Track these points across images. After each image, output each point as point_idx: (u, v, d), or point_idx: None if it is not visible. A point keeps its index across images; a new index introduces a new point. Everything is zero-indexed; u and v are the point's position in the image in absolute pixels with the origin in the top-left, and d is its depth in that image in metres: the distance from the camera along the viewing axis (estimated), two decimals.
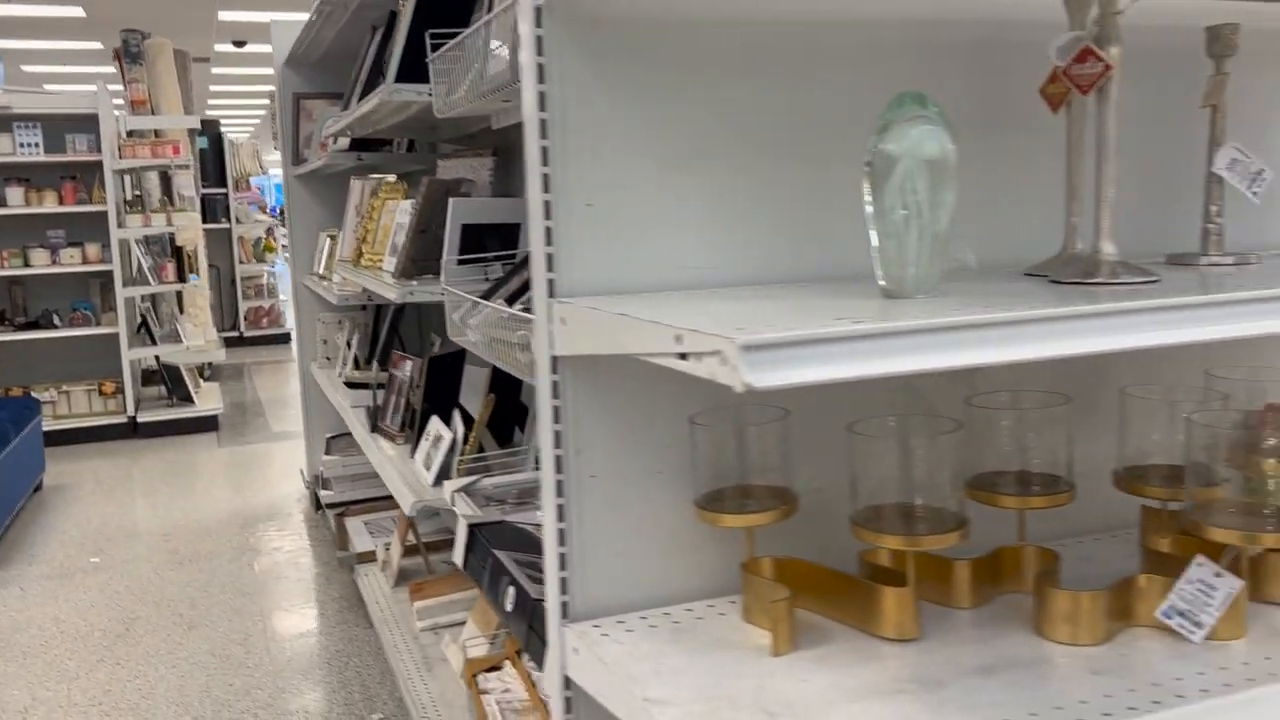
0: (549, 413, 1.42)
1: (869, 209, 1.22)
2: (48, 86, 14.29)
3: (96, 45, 12.12)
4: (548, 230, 1.40)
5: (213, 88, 15.56)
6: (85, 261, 7.10)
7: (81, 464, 6.78)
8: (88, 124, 7.01)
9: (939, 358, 0.98)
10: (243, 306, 11.22)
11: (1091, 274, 1.31)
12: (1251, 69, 1.78)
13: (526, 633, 1.82)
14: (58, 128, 7.00)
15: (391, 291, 2.92)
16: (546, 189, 1.39)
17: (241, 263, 11.11)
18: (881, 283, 1.24)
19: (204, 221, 10.34)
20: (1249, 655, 1.28)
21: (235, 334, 11.11)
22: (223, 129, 11.52)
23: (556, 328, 1.39)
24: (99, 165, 7.01)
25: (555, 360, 1.42)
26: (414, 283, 2.92)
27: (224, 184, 10.89)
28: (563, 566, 1.45)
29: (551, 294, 1.41)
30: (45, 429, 6.87)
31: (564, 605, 1.46)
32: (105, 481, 6.38)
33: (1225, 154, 1.54)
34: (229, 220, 10.96)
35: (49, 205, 6.99)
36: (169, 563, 4.91)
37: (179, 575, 4.74)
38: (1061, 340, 1.05)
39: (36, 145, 6.93)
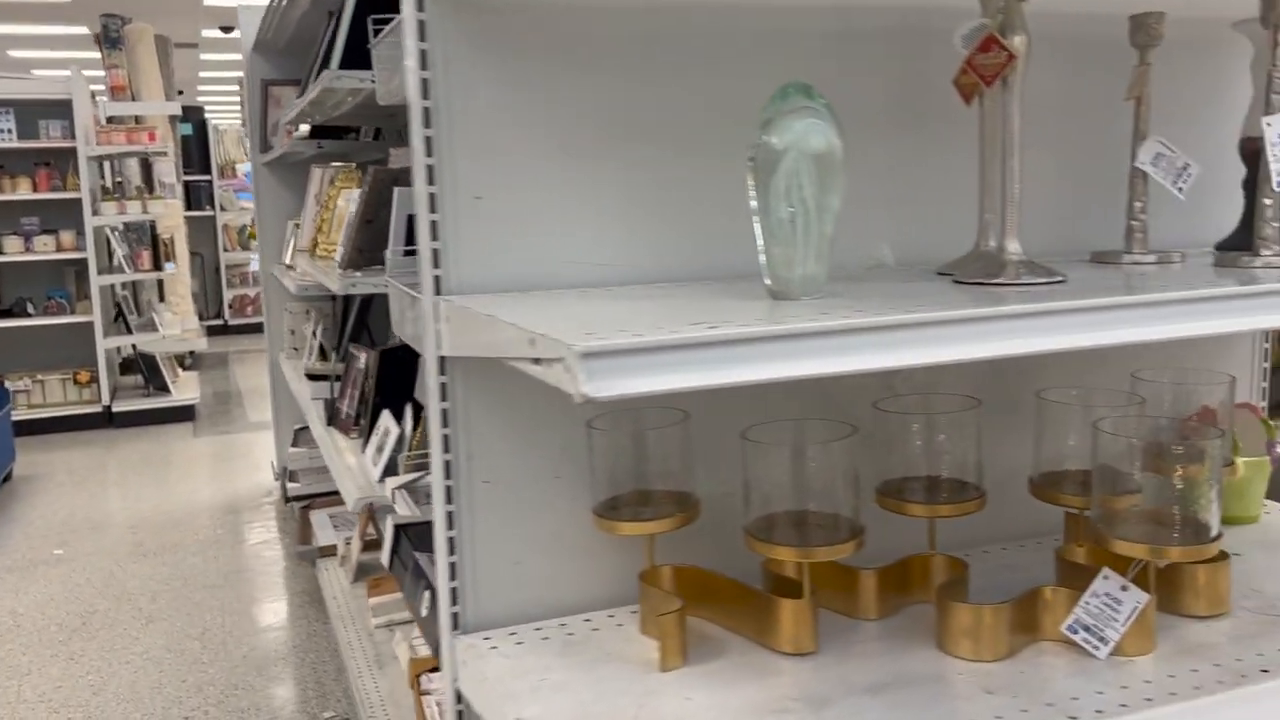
0: (437, 416, 1.37)
1: (753, 205, 1.16)
2: (35, 72, 14.19)
3: (83, 30, 12.02)
4: (433, 224, 1.34)
5: (202, 74, 15.46)
6: (60, 249, 7.02)
7: (54, 454, 6.72)
8: (63, 110, 6.92)
9: (796, 366, 0.93)
10: (227, 294, 11.14)
11: (993, 274, 1.26)
12: (1182, 59, 1.72)
13: (438, 640, 1.77)
14: (31, 113, 6.92)
15: (335, 283, 2.86)
16: (431, 181, 1.33)
17: (226, 250, 11.03)
18: (767, 283, 1.19)
19: (188, 209, 10.27)
20: (1153, 672, 1.22)
21: (219, 322, 11.04)
22: (210, 116, 11.44)
23: (443, 327, 1.33)
24: (74, 151, 6.93)
25: (443, 361, 1.36)
26: (358, 274, 2.86)
27: (208, 171, 10.80)
28: (453, 576, 1.40)
29: (438, 291, 1.35)
30: (19, 418, 6.82)
31: (454, 616, 1.41)
32: (77, 472, 6.32)
33: (1149, 148, 1.48)
34: (213, 207, 10.88)
35: (23, 192, 6.91)
36: (133, 555, 4.86)
37: (142, 568, 4.69)
38: (936, 346, 0.99)
39: (9, 131, 6.85)
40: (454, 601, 1.40)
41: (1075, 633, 1.28)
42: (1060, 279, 1.25)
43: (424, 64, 1.30)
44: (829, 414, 1.54)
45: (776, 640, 1.31)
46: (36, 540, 5.11)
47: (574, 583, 1.46)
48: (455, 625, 1.40)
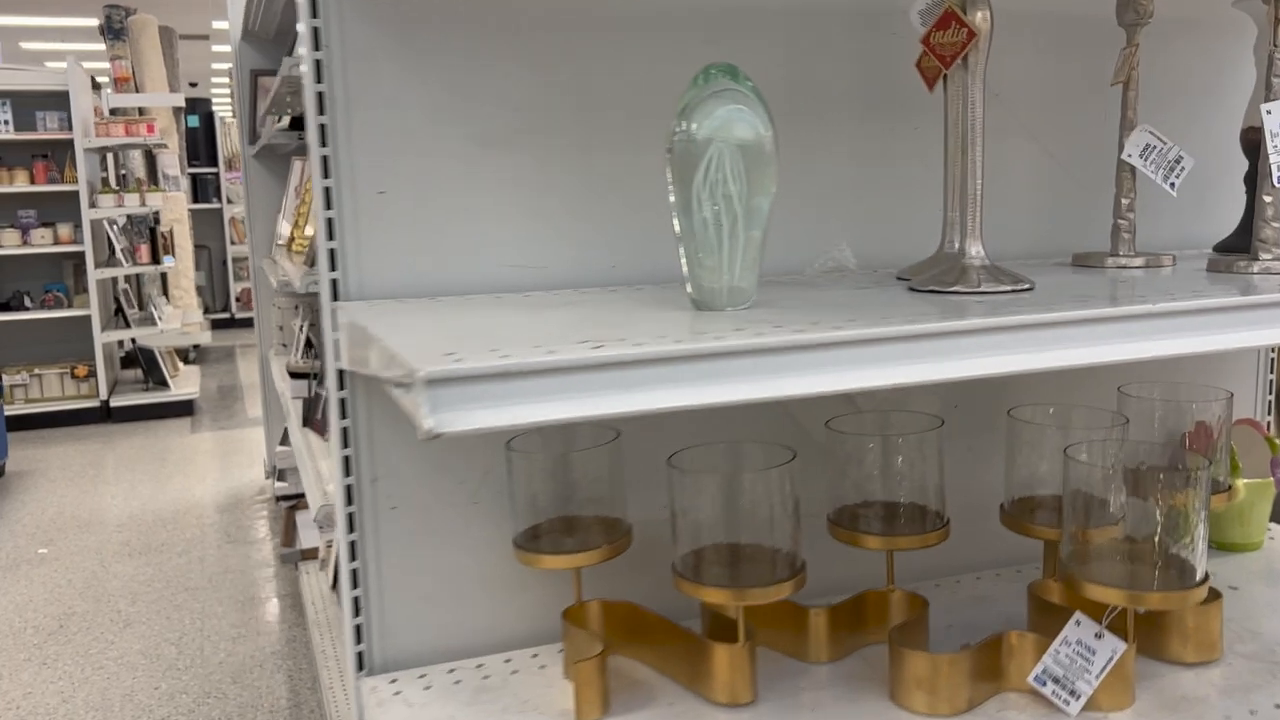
0: (338, 435, 1.23)
1: (673, 203, 1.02)
2: (48, 64, 14.14)
3: (94, 22, 11.96)
4: (329, 222, 1.20)
5: (214, 65, 15.38)
6: (57, 242, 6.94)
7: (50, 449, 6.64)
8: (60, 101, 6.83)
9: (688, 394, 0.79)
10: (234, 288, 11.05)
11: (950, 280, 1.11)
12: (1176, 40, 1.57)
13: None
14: (28, 105, 6.83)
15: (298, 279, 2.73)
16: (327, 173, 1.20)
17: (233, 243, 10.95)
18: (689, 291, 1.05)
19: (194, 201, 10.19)
20: None
21: (226, 315, 10.96)
22: (218, 108, 11.33)
23: (341, 336, 1.20)
24: (71, 143, 6.84)
25: (342, 374, 1.22)
26: None
27: (215, 163, 10.72)
28: (357, 612, 1.26)
29: (335, 296, 1.22)
30: (16, 413, 6.75)
31: (360, 656, 1.27)
32: (70, 468, 6.24)
33: (1138, 139, 1.33)
34: (220, 200, 10.79)
35: (20, 184, 6.83)
36: (118, 555, 4.76)
37: (125, 568, 4.59)
38: (859, 369, 0.85)
39: (6, 123, 6.77)
40: (358, 639, 1.27)
41: (1043, 685, 1.13)
42: (1027, 286, 1.11)
43: (316, 44, 1.17)
44: (783, 432, 1.40)
45: (710, 689, 1.18)
46: (22, 539, 5.02)
47: (493, 619, 1.32)
48: (360, 666, 1.27)
